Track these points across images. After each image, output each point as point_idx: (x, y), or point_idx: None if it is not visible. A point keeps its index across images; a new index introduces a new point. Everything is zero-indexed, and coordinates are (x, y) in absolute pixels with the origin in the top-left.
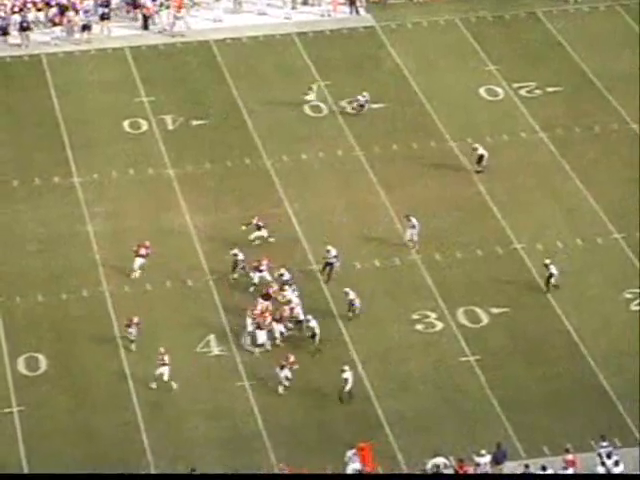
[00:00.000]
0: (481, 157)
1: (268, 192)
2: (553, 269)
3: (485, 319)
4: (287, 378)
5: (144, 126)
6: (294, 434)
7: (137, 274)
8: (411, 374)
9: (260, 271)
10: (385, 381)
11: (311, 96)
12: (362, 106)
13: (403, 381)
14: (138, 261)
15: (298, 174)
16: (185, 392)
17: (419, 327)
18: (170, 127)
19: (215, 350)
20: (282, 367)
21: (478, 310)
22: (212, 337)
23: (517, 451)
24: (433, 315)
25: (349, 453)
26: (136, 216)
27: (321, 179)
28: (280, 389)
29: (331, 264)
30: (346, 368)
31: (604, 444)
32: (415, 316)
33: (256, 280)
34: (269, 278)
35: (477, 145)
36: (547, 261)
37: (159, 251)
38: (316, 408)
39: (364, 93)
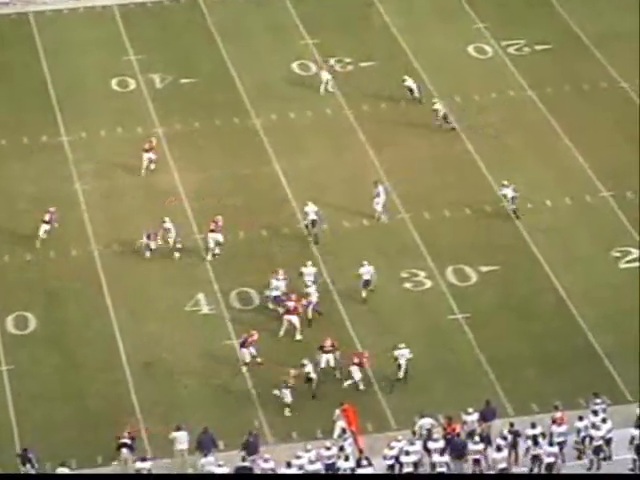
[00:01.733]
0: (445, 115)
1: (257, 151)
2: (510, 192)
3: (474, 277)
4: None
5: (132, 85)
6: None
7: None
8: (400, 333)
9: (212, 231)
10: (374, 340)
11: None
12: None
13: (392, 339)
14: (43, 227)
15: (287, 133)
16: (174, 351)
17: (408, 285)
18: (158, 86)
19: (204, 309)
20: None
21: (467, 269)
22: (201, 296)
23: (505, 409)
24: (422, 274)
25: (337, 411)
26: (124, 175)
27: (310, 138)
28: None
29: (314, 222)
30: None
31: (598, 401)
32: (404, 274)
33: (211, 244)
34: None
35: (435, 100)
36: (504, 184)
37: (148, 209)
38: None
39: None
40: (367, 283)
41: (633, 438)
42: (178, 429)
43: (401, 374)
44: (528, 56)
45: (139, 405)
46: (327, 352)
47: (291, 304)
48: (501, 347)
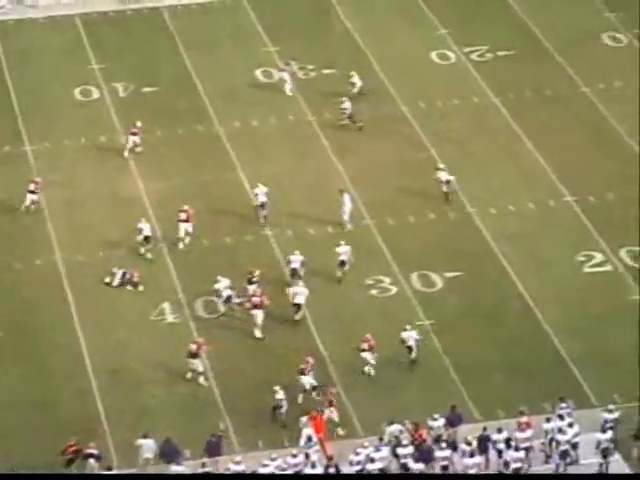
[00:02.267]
0: (351, 115)
1: (220, 158)
2: (444, 176)
3: (439, 283)
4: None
5: (95, 94)
6: (250, 400)
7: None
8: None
9: (185, 221)
10: (340, 346)
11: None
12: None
13: (358, 346)
14: (29, 197)
15: (250, 140)
16: (140, 360)
17: (373, 292)
18: (122, 94)
19: (169, 318)
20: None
21: (432, 274)
22: (166, 305)
23: (472, 414)
24: (387, 280)
25: (303, 419)
26: (89, 184)
27: (273, 145)
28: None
29: (263, 204)
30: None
31: (563, 405)
32: (369, 281)
33: (182, 234)
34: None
35: (344, 99)
36: (439, 168)
37: (112, 218)
38: (272, 374)
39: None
40: (343, 263)
41: (599, 442)
42: (144, 437)
43: (413, 355)
44: (491, 62)
45: (105, 414)
46: (304, 374)
47: (256, 299)
48: (467, 353)
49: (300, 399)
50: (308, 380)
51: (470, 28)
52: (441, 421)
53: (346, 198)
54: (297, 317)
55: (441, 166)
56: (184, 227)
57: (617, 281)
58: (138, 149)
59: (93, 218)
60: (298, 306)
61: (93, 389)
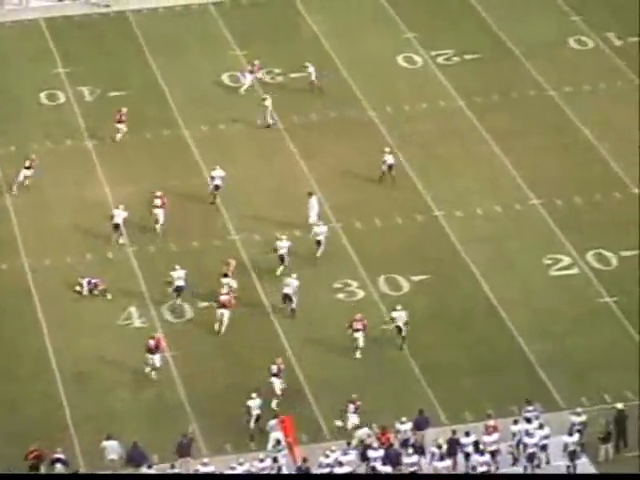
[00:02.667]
0: (271, 114)
1: (187, 162)
2: (390, 159)
3: (406, 287)
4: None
5: (61, 98)
6: (217, 404)
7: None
8: (333, 343)
9: (156, 207)
10: (307, 350)
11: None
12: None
13: (325, 350)
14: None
15: (217, 144)
16: (107, 364)
17: (341, 296)
18: (88, 99)
19: (136, 322)
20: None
21: (399, 278)
22: (133, 309)
23: (439, 418)
24: (355, 284)
25: (271, 422)
26: (55, 188)
27: (240, 149)
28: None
29: (217, 187)
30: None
31: (530, 408)
32: (337, 285)
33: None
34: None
35: (265, 96)
36: (386, 151)
37: (78, 223)
38: (239, 377)
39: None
40: (319, 243)
41: (566, 445)
42: (108, 438)
43: (403, 334)
44: (457, 66)
45: (72, 418)
46: (275, 375)
47: (224, 297)
48: (434, 356)
49: (274, 404)
50: (278, 382)
51: (436, 32)
52: (408, 425)
53: (313, 200)
54: (294, 307)
55: (387, 149)
56: (156, 213)
57: (584, 284)
58: (120, 137)
59: (60, 222)
60: (287, 297)
61: (60, 393)
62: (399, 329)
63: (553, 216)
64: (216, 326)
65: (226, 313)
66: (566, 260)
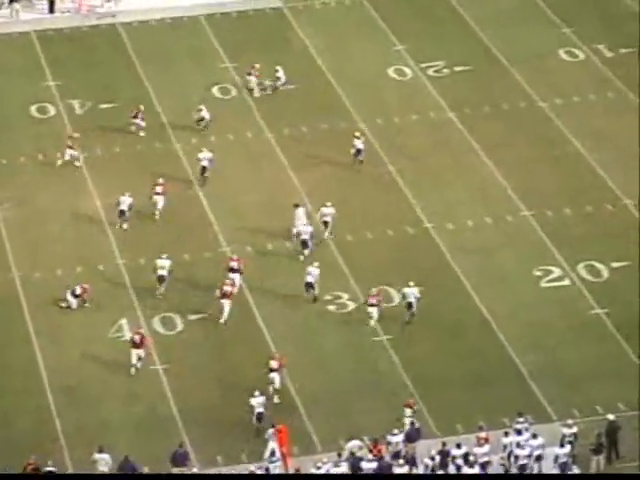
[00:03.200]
0: (202, 118)
1: (178, 175)
2: (359, 144)
3: (397, 299)
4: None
5: (52, 111)
6: (208, 417)
7: None
8: (324, 355)
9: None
10: (299, 362)
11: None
12: (276, 88)
13: (316, 362)
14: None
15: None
16: (98, 377)
17: (331, 308)
18: (78, 111)
19: (127, 335)
20: None
21: (390, 290)
22: (124, 321)
23: (431, 429)
24: (345, 295)
25: (269, 431)
26: (46, 201)
27: (231, 161)
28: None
29: (204, 168)
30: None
31: (520, 420)
32: (327, 297)
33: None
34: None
35: (202, 107)
36: (356, 136)
37: (69, 235)
38: (231, 389)
39: (277, 67)
40: (305, 244)
41: (557, 457)
42: (101, 451)
43: (413, 310)
44: (447, 77)
45: (63, 431)
46: (274, 371)
47: (227, 288)
48: (425, 367)
49: (276, 399)
50: (278, 378)
51: (427, 44)
52: (400, 436)
53: (300, 212)
54: (316, 294)
55: (357, 134)
56: (156, 199)
57: (575, 296)
58: (142, 133)
59: (50, 235)
60: (310, 285)
61: (50, 406)
62: (409, 305)
63: (544, 228)
64: (223, 318)
65: (227, 303)
66: (557, 272)
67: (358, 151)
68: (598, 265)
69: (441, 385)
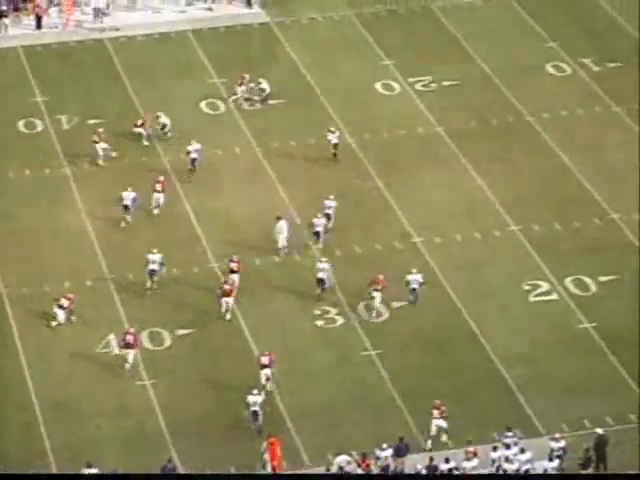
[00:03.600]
0: (164, 126)
1: (167, 190)
2: (334, 139)
3: (385, 313)
4: None
5: (39, 126)
6: (196, 431)
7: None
8: (313, 370)
9: (156, 192)
10: (287, 377)
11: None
12: (264, 99)
13: (305, 377)
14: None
15: (195, 172)
16: (86, 392)
17: (320, 323)
18: (65, 127)
19: (115, 350)
20: None
21: (378, 305)
22: (112, 337)
23: (419, 444)
24: (334, 310)
25: (265, 444)
26: (33, 216)
27: (219, 176)
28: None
29: (193, 161)
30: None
31: (509, 434)
32: (316, 312)
33: (154, 204)
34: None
35: (159, 114)
36: (331, 130)
37: (57, 250)
38: (219, 404)
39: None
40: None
41: (546, 471)
42: (89, 466)
43: (415, 295)
44: (435, 92)
45: (51, 446)
46: (265, 367)
47: (227, 287)
48: (414, 382)
49: (269, 386)
50: (269, 374)
51: (414, 59)
52: (389, 451)
53: (282, 224)
54: (325, 287)
55: (332, 129)
56: (156, 197)
57: (563, 310)
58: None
59: (38, 250)
60: (321, 281)
61: (39, 421)
62: (413, 290)
63: (532, 242)
64: (227, 315)
65: (230, 300)
66: (545, 286)
67: (335, 145)
68: (586, 279)
69: (430, 399)
